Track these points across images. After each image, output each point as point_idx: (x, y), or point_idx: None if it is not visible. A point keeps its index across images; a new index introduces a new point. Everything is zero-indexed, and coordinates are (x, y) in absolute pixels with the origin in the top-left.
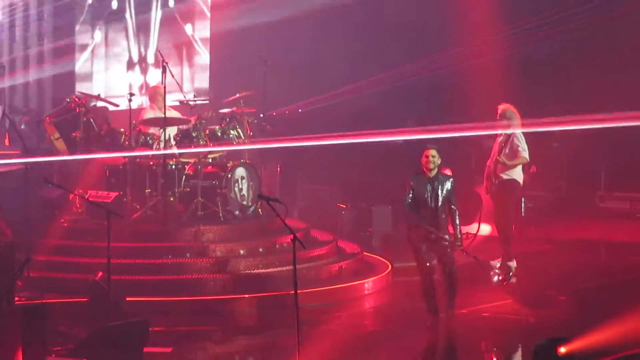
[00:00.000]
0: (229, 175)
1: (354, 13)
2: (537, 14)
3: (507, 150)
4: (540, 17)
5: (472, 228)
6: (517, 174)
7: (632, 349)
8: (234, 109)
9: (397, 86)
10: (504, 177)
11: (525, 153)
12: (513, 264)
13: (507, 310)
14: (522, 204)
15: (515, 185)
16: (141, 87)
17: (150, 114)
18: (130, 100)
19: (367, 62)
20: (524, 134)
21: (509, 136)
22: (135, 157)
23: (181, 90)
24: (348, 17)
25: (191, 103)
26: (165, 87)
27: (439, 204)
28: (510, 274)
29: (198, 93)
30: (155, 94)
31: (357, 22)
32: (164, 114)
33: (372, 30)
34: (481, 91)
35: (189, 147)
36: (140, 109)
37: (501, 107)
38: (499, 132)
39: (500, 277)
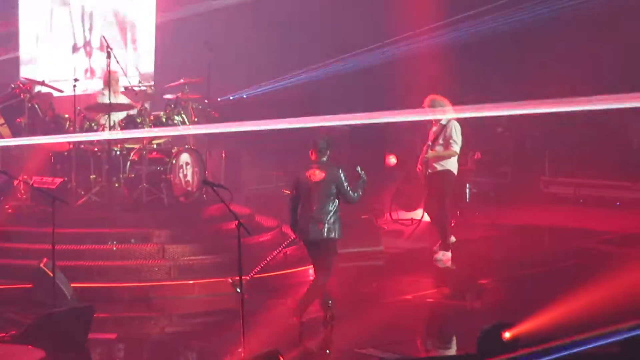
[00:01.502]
0: (174, 161)
1: None
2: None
3: (440, 141)
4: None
5: (417, 214)
6: (452, 165)
7: (575, 333)
8: (179, 94)
9: (342, 72)
10: (438, 167)
11: (455, 146)
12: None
13: (451, 296)
14: (467, 189)
15: (450, 175)
16: (86, 71)
17: (103, 100)
18: (74, 86)
19: (312, 48)
20: (461, 124)
21: (443, 126)
22: (80, 143)
23: (125, 75)
24: (293, 3)
25: (136, 89)
26: (109, 73)
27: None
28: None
29: (143, 78)
30: (111, 79)
31: (303, 8)
32: (109, 100)
33: (318, 16)
34: (425, 77)
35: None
36: (86, 95)
37: (428, 99)
38: (432, 118)
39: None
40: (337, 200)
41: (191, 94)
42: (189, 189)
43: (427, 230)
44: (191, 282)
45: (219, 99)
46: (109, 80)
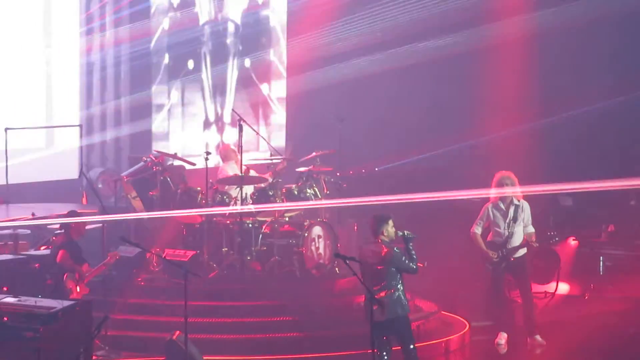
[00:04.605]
0: (306, 234)
1: (427, 70)
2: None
3: (521, 222)
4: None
5: (550, 287)
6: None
7: None
8: (311, 167)
9: (474, 144)
10: (522, 252)
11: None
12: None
13: None
14: (601, 262)
15: (528, 258)
16: (217, 146)
17: (229, 173)
18: (207, 159)
19: (440, 120)
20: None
21: (517, 206)
22: (212, 215)
23: (257, 149)
24: (421, 75)
25: (268, 162)
26: (241, 147)
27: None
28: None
29: (275, 152)
30: (227, 154)
31: (431, 79)
32: (241, 172)
33: (447, 86)
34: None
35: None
36: (217, 168)
37: (498, 175)
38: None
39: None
40: (397, 276)
41: (323, 166)
42: (321, 261)
43: (561, 304)
44: (323, 354)
45: (350, 172)
46: (228, 154)
